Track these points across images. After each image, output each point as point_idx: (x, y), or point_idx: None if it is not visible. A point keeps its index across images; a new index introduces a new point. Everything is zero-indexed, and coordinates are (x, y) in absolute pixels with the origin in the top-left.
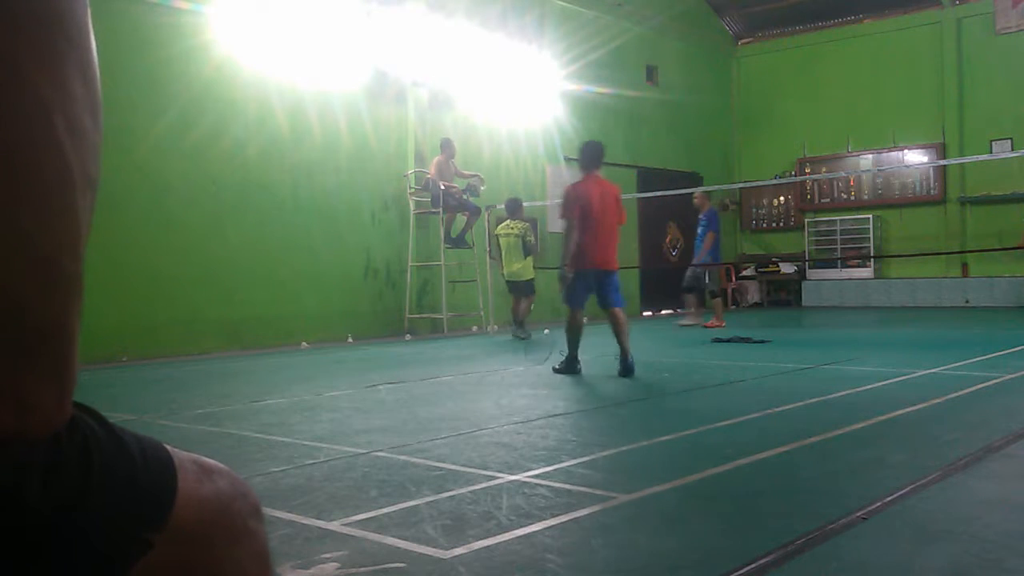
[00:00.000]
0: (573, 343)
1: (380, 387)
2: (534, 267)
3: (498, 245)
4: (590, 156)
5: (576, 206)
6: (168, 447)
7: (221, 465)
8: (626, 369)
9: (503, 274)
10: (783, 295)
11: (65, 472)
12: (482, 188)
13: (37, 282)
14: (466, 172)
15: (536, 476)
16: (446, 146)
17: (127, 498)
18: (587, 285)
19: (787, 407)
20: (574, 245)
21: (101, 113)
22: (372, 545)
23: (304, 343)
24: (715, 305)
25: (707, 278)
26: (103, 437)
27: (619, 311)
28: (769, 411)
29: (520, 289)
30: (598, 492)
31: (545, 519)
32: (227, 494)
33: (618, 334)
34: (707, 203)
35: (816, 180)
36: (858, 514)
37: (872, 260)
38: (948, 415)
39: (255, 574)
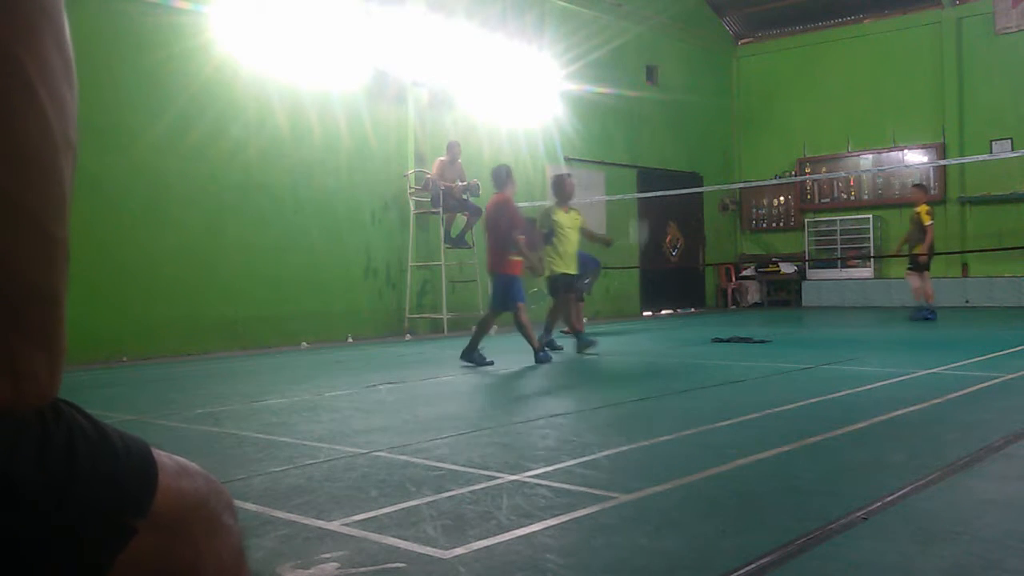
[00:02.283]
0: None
1: (380, 387)
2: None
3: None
4: (493, 178)
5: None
6: (148, 444)
7: (194, 464)
8: (538, 360)
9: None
10: (783, 295)
11: (53, 457)
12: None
13: (24, 246)
14: (460, 184)
15: (536, 476)
16: (451, 148)
17: (112, 484)
18: (491, 286)
19: (787, 407)
20: None
21: (75, 82)
22: (372, 545)
23: (304, 343)
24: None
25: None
26: (87, 427)
27: (515, 313)
28: (769, 411)
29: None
30: (598, 492)
31: (545, 519)
32: (203, 489)
33: (521, 334)
34: None
35: (816, 180)
36: (858, 514)
37: (872, 260)
38: (948, 415)
39: (232, 567)
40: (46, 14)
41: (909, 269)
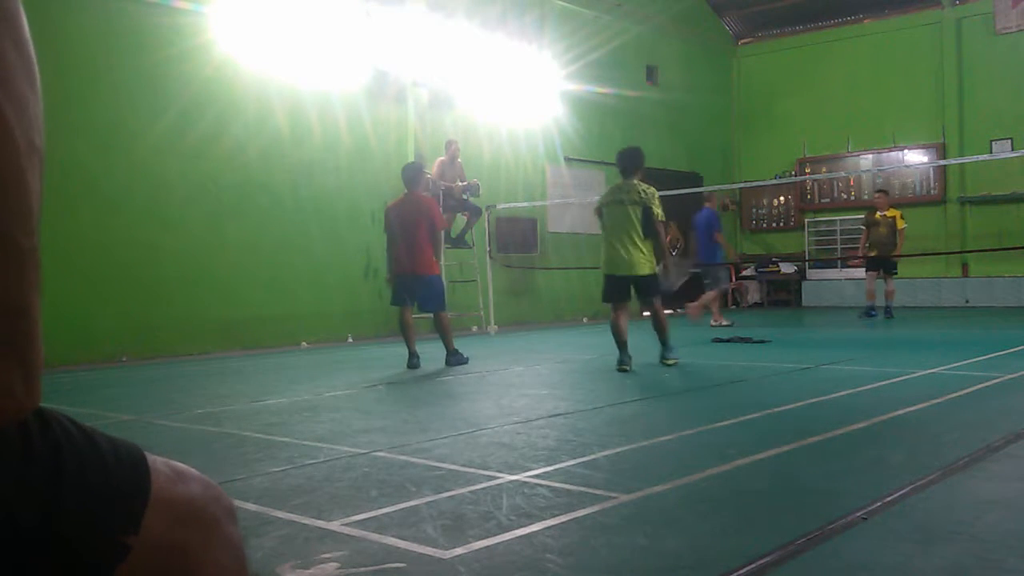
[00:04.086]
0: (405, 340)
1: (380, 387)
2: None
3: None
4: (404, 177)
5: (386, 222)
6: (143, 450)
7: (193, 470)
8: (455, 362)
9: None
10: (783, 295)
11: (36, 471)
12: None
13: None
14: (460, 184)
15: (536, 476)
16: (449, 147)
17: (101, 498)
18: (403, 288)
19: (787, 407)
20: (391, 254)
21: (38, 82)
22: (372, 545)
23: (304, 343)
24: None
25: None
26: (77, 438)
27: (441, 315)
28: (769, 411)
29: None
30: (598, 492)
31: (545, 519)
32: (201, 497)
33: (440, 336)
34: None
35: (816, 180)
36: (858, 514)
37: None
38: (948, 415)
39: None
40: (1, 11)
41: (890, 273)
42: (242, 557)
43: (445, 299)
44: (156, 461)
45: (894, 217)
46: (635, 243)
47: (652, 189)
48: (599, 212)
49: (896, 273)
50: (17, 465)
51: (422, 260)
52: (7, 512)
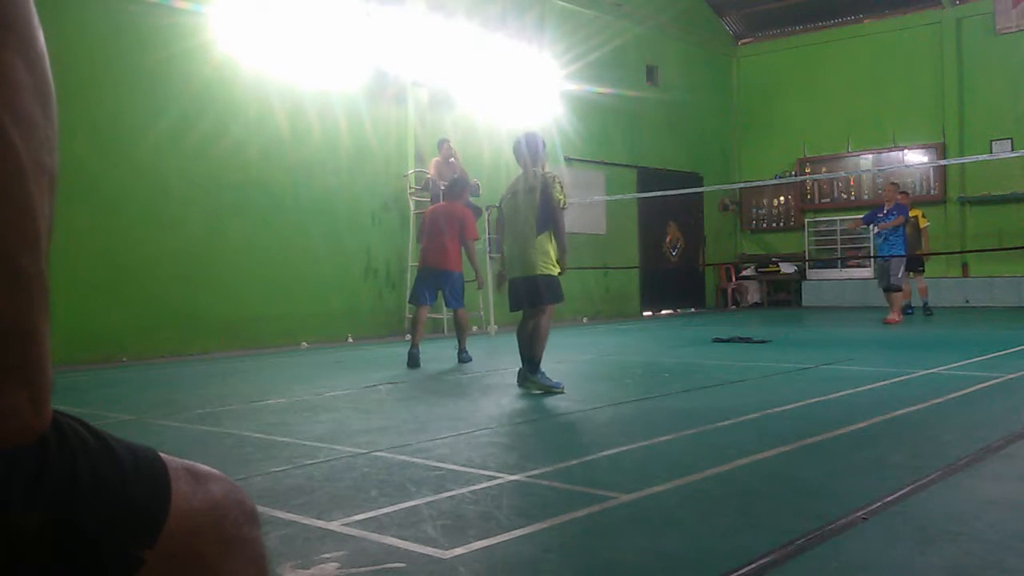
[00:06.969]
0: (412, 336)
1: (380, 387)
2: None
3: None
4: (448, 190)
5: (422, 223)
6: (163, 456)
7: (216, 471)
8: (463, 360)
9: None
10: (783, 295)
11: (51, 484)
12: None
13: None
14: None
15: (536, 476)
16: (441, 146)
17: (118, 512)
18: (426, 283)
19: (787, 407)
20: (421, 251)
21: (52, 101)
22: (372, 545)
23: (304, 343)
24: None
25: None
26: (94, 449)
27: (460, 312)
28: (769, 411)
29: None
30: (598, 492)
31: (545, 519)
32: (222, 504)
33: (457, 333)
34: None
35: (816, 180)
36: (858, 514)
37: (872, 260)
38: (948, 415)
39: None
40: (12, 30)
41: (920, 271)
42: (262, 561)
43: (463, 297)
44: (177, 468)
45: (916, 217)
46: (529, 238)
47: (555, 174)
48: (499, 210)
49: (923, 270)
50: (32, 477)
51: (449, 258)
52: (21, 523)
